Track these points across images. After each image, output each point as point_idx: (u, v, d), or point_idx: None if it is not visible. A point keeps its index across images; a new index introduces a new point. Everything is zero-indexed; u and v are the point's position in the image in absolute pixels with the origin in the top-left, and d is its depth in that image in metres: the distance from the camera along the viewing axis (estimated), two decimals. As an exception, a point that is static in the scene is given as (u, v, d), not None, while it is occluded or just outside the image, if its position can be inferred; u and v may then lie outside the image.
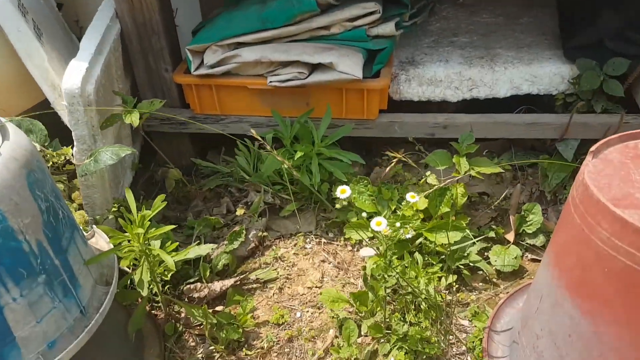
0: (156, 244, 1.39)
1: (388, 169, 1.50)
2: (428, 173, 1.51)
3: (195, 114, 1.85)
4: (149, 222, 1.19)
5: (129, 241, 1.17)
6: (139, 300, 1.29)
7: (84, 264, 1.10)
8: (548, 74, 1.68)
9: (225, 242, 1.60)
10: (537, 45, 1.76)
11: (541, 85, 1.73)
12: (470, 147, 1.49)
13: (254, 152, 1.87)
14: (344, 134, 1.65)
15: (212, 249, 1.46)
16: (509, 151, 1.79)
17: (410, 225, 1.21)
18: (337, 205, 1.08)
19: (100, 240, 1.23)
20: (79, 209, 1.48)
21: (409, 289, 1.26)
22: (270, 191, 1.74)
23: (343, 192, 1.06)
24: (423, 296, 1.24)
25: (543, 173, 1.73)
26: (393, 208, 1.51)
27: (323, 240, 1.60)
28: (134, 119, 1.44)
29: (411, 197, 1.14)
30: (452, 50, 1.75)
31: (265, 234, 1.67)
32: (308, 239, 1.61)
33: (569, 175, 1.72)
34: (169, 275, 1.42)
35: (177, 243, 1.38)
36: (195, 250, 1.36)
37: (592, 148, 1.00)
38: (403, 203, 1.44)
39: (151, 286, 1.40)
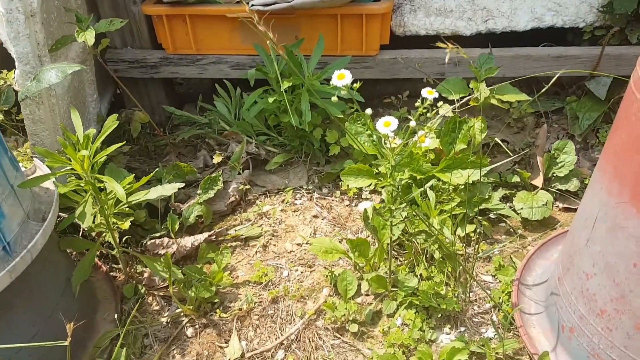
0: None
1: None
2: (440, 103, 1.28)
3: (168, 55, 1.64)
4: (101, 150, 0.96)
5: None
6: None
7: (11, 190, 0.87)
8: (574, 1, 1.55)
9: (199, 191, 1.37)
10: (561, -29, 1.62)
11: (566, 15, 1.57)
12: (490, 70, 1.29)
13: (236, 98, 1.65)
14: (339, 67, 1.43)
15: (175, 194, 1.23)
16: (532, 95, 1.64)
17: (429, 128, 0.96)
18: (333, 99, 0.84)
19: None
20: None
21: (420, 230, 1.03)
22: (254, 142, 1.58)
23: (341, 77, 0.82)
24: (439, 240, 1.00)
25: (572, 115, 1.58)
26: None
27: (316, 195, 1.48)
28: (88, 37, 1.21)
29: (385, 124, 0.87)
30: (463, -21, 1.61)
31: (247, 187, 1.47)
32: (298, 194, 1.49)
33: (602, 117, 1.55)
34: (128, 224, 1.18)
35: (139, 184, 1.15)
36: (157, 190, 1.12)
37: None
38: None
39: (103, 236, 1.17)
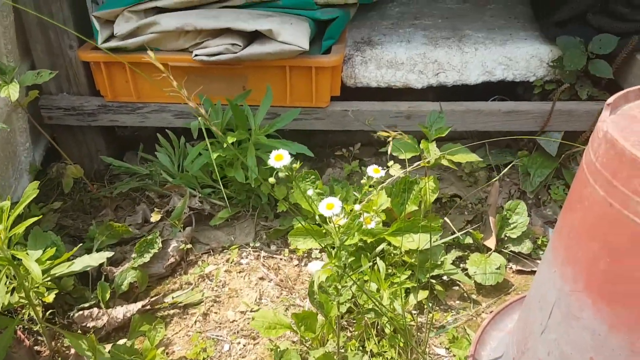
0: (35, 255, 1.04)
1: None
2: (390, 163, 1.24)
3: (106, 102, 1.54)
4: (20, 223, 0.86)
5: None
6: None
7: None
8: (525, 56, 1.55)
9: (134, 255, 1.27)
10: (510, 27, 1.64)
11: (517, 69, 1.58)
12: (441, 130, 1.28)
13: (180, 148, 1.57)
14: (288, 121, 1.45)
15: (108, 258, 1.13)
16: (483, 148, 1.68)
17: (372, 211, 0.93)
18: (271, 180, 0.79)
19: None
20: None
21: (370, 306, 0.98)
22: (198, 195, 1.51)
23: (279, 158, 0.78)
24: (388, 315, 0.95)
25: (523, 171, 1.59)
26: (349, 210, 1.24)
27: (263, 253, 1.43)
28: (11, 91, 1.11)
29: (375, 170, 0.87)
30: (415, 32, 1.63)
31: (189, 246, 1.40)
32: (244, 253, 1.44)
33: (553, 173, 1.56)
34: (52, 297, 1.06)
35: (68, 254, 1.04)
36: (83, 261, 1.02)
37: (609, 101, 0.77)
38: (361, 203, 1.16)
39: (26, 310, 1.05)
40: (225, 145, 1.33)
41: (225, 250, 1.44)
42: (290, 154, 1.33)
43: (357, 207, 0.89)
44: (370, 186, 0.92)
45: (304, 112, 1.51)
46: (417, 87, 1.61)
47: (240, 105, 1.43)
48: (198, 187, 1.55)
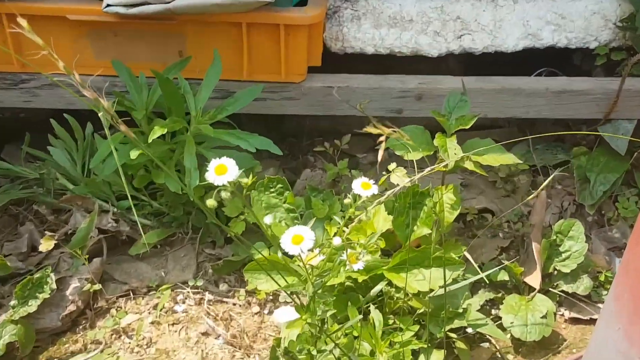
0: None
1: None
2: (392, 165, 1.27)
3: None
4: None
5: None
6: None
7: None
8: (583, 12, 1.55)
9: (13, 301, 1.24)
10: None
11: (572, 31, 1.58)
12: (464, 120, 1.28)
13: (85, 141, 1.55)
14: (245, 103, 1.42)
15: None
16: (524, 142, 1.69)
17: (361, 245, 0.93)
18: (210, 203, 0.79)
19: None
20: None
21: None
22: (112, 210, 1.49)
23: (221, 170, 0.83)
24: None
25: (581, 176, 1.59)
26: (332, 233, 1.26)
27: (208, 296, 1.44)
28: None
29: (364, 186, 0.92)
30: (429, -25, 1.62)
31: (98, 287, 1.40)
32: (181, 295, 1.44)
33: (622, 178, 1.57)
34: None
35: None
36: None
37: None
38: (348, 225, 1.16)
39: None
40: (150, 139, 1.29)
41: (152, 292, 1.43)
42: (248, 152, 1.37)
43: (336, 241, 0.88)
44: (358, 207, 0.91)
45: (270, 89, 1.50)
46: (431, 55, 1.60)
47: (174, 80, 1.39)
48: (112, 199, 1.51)
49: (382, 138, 0.82)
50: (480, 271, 1.31)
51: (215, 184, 0.82)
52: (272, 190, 1.35)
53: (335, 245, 0.91)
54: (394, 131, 0.84)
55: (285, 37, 1.44)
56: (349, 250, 0.94)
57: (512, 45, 1.59)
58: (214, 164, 0.84)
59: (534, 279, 1.35)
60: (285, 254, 0.93)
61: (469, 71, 1.61)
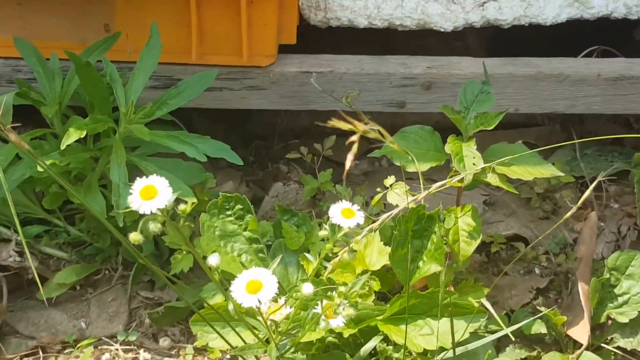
0: None
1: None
2: (390, 179, 1.30)
3: None
4: None
5: None
6: None
7: None
8: None
9: None
10: None
11: None
12: (486, 118, 1.28)
13: None
14: (194, 94, 1.43)
15: None
16: (569, 146, 1.72)
17: (342, 295, 0.93)
18: (134, 237, 0.81)
19: None
20: None
21: None
22: (15, 239, 1.50)
23: (149, 193, 0.82)
24: None
25: None
26: (310, 270, 1.28)
27: (144, 354, 1.45)
28: None
29: (345, 213, 0.94)
30: None
31: None
32: (107, 354, 1.45)
33: None
34: None
35: None
36: None
37: None
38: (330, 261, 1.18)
39: None
40: (64, 144, 1.29)
41: (68, 350, 1.43)
42: (197, 161, 1.37)
43: (306, 289, 0.87)
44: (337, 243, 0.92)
45: (228, 76, 1.52)
46: (444, 29, 1.61)
47: (97, 64, 1.40)
48: (16, 224, 1.43)
49: (353, 138, 0.79)
50: (508, 322, 1.32)
51: (141, 212, 0.82)
52: (228, 213, 1.34)
53: (305, 296, 0.88)
54: (373, 129, 0.82)
55: (248, 6, 1.45)
56: (325, 301, 0.93)
57: (552, 15, 1.59)
58: (139, 185, 0.83)
59: (581, 332, 1.35)
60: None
61: (493, 52, 1.62)
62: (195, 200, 1.36)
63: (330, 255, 1.02)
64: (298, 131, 1.79)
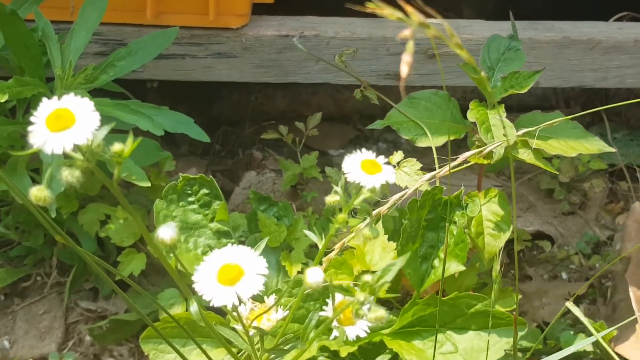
0: None
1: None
2: (397, 156, 1.17)
3: None
4: None
5: None
6: None
7: None
8: None
9: None
10: None
11: None
12: (518, 78, 1.17)
13: None
14: (146, 58, 1.33)
15: None
16: (595, 129, 1.63)
17: (367, 288, 0.78)
18: (34, 196, 0.72)
19: None
20: None
21: None
22: None
23: (62, 121, 0.64)
24: None
25: None
26: (293, 273, 1.25)
27: None
28: None
29: (367, 166, 0.78)
30: None
31: None
32: None
33: None
34: None
35: None
36: None
37: None
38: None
39: None
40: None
41: None
42: (152, 136, 1.28)
43: (312, 276, 0.70)
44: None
45: (190, 38, 1.45)
46: None
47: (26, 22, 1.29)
48: None
49: (406, 33, 0.58)
50: (541, 334, 1.26)
51: (48, 151, 0.60)
52: (190, 199, 1.19)
53: (311, 286, 0.70)
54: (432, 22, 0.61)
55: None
56: (339, 298, 0.77)
57: None
58: (46, 108, 0.64)
59: (633, 349, 1.24)
60: (210, 308, 0.78)
61: (507, 15, 1.51)
62: (148, 184, 1.25)
63: (344, 230, 0.81)
64: (273, 114, 1.71)
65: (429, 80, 1.50)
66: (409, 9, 0.56)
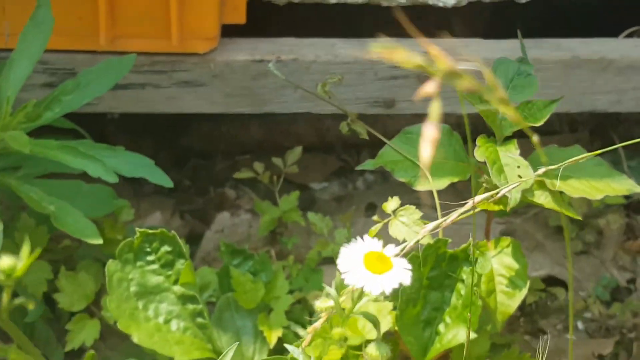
0: None
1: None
2: (392, 203, 1.07)
3: None
4: None
5: None
6: None
7: None
8: None
9: None
10: None
11: None
12: (533, 107, 1.09)
13: None
14: (99, 92, 1.24)
15: None
16: (608, 156, 1.45)
17: None
18: None
19: None
20: None
21: None
22: None
23: None
24: None
25: None
26: (273, 339, 1.17)
27: None
28: None
29: (373, 263, 0.73)
30: None
31: None
32: None
33: None
34: None
35: None
36: None
37: None
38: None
39: None
40: None
41: None
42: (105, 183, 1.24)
43: None
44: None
45: (152, 66, 1.38)
46: (443, 4, 1.48)
47: None
48: None
49: (430, 87, 0.48)
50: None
51: None
52: (150, 258, 1.09)
53: None
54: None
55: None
56: None
57: None
58: None
59: None
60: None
61: (506, 35, 1.49)
62: (100, 240, 1.15)
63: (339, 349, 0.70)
64: (248, 146, 1.64)
65: (424, 107, 1.36)
66: (432, 50, 0.42)
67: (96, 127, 1.39)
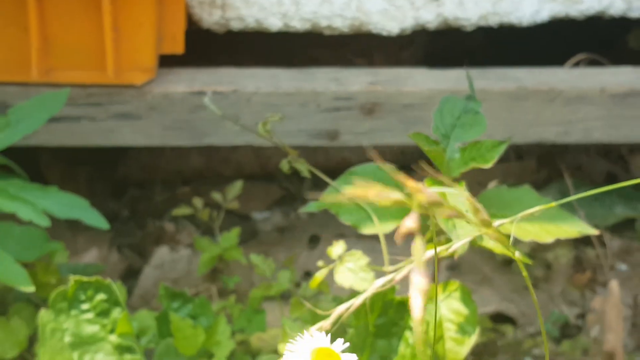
0: None
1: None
2: (337, 248, 1.06)
3: None
4: None
5: None
6: None
7: None
8: None
9: None
10: None
11: None
12: (481, 148, 1.09)
13: None
14: (29, 129, 1.24)
15: None
16: (555, 187, 1.60)
17: None
18: None
19: None
20: None
21: None
22: None
23: None
24: None
25: None
26: None
27: None
28: None
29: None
30: None
31: None
32: None
33: None
34: None
35: None
36: None
37: None
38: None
39: None
40: None
41: None
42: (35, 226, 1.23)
43: None
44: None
45: (87, 98, 1.38)
46: (388, 33, 1.49)
47: None
48: None
49: (409, 223, 0.47)
50: None
51: None
52: (85, 307, 1.05)
53: None
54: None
55: (113, 1, 1.33)
56: None
57: (529, 12, 1.48)
58: None
59: None
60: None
61: (447, 61, 1.50)
62: (32, 288, 1.12)
63: None
64: (188, 175, 1.64)
65: (367, 139, 1.42)
66: (409, 183, 0.42)
67: (28, 158, 1.37)
